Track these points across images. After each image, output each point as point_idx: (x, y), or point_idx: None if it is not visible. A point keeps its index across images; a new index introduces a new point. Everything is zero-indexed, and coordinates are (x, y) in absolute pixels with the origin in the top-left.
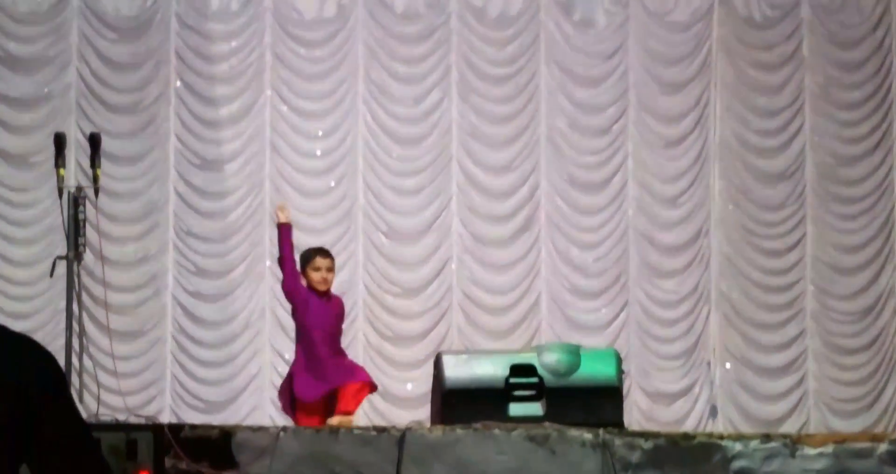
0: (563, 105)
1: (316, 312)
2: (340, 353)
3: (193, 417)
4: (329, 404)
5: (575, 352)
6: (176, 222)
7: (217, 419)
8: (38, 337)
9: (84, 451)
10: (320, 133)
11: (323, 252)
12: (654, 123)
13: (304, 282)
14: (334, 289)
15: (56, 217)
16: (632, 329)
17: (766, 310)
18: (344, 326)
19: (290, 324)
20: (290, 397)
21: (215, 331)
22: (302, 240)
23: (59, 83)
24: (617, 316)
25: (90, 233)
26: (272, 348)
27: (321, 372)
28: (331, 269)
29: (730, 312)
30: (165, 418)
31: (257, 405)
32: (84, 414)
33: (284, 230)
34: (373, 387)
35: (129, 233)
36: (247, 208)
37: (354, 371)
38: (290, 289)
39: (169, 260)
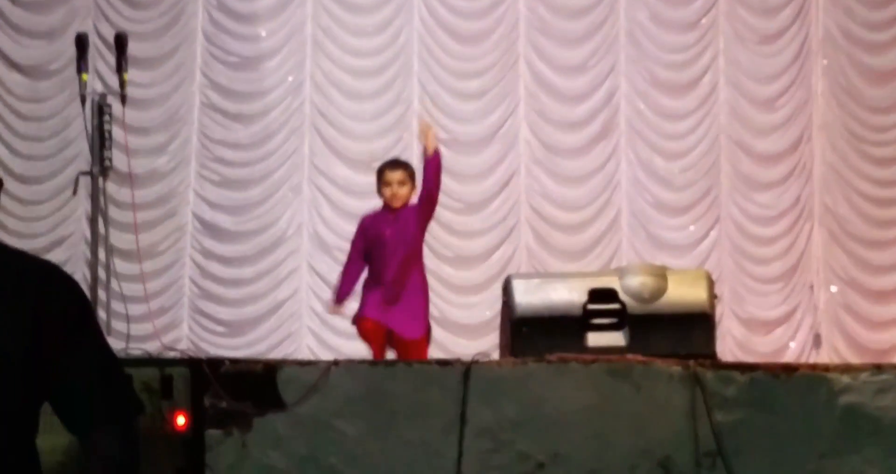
0: None
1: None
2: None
3: (215, 343)
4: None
5: (661, 274)
6: (200, 128)
7: (243, 347)
8: (57, 258)
9: (111, 385)
10: (370, 28)
11: (392, 164)
12: (748, 15)
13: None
14: None
15: (74, 129)
16: (724, 248)
17: (876, 226)
18: None
19: (332, 242)
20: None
21: (241, 245)
22: (351, 148)
23: None
24: (707, 233)
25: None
26: (310, 267)
27: (386, 297)
28: (403, 183)
29: (835, 228)
30: (182, 346)
31: (293, 332)
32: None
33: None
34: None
35: (150, 144)
36: (283, 111)
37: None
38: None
39: (191, 171)
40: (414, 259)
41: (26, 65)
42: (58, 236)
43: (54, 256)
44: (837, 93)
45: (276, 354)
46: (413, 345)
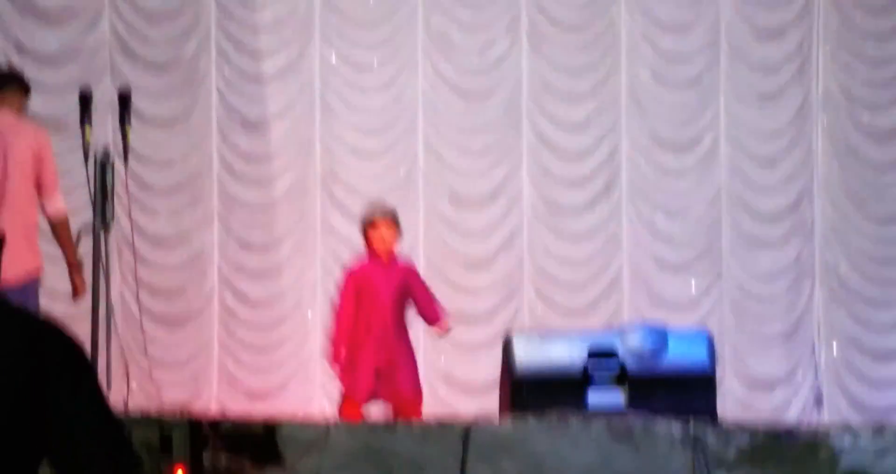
0: (646, 54)
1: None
2: (399, 337)
3: (241, 408)
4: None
5: (661, 332)
6: (220, 190)
7: (265, 409)
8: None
9: (110, 443)
10: (375, 86)
11: (381, 210)
12: (749, 73)
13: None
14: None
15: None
16: (725, 306)
17: (878, 284)
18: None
19: None
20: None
21: (263, 311)
22: (358, 206)
23: (90, 37)
24: (708, 291)
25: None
26: (324, 330)
27: (378, 361)
28: (393, 233)
29: (836, 287)
30: (212, 410)
31: (307, 394)
32: (113, 407)
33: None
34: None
35: (167, 205)
36: (296, 173)
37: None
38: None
39: (214, 233)
40: (403, 315)
41: (41, 116)
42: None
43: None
44: (838, 151)
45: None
46: (413, 402)
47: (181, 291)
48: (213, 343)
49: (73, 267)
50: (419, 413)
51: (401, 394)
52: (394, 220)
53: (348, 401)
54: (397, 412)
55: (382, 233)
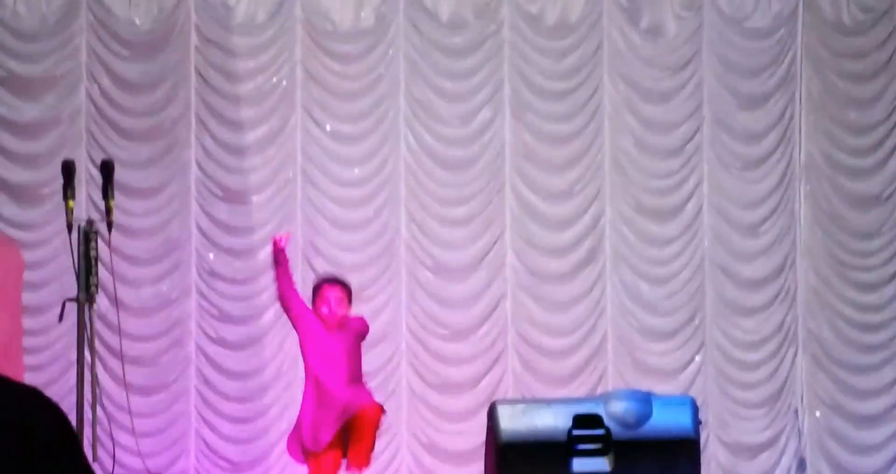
0: (629, 123)
1: (319, 337)
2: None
3: None
4: (343, 436)
5: (646, 400)
6: (199, 262)
7: None
8: (52, 392)
9: None
10: (357, 157)
11: (331, 280)
12: (732, 142)
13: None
14: (377, 329)
15: (68, 257)
16: (709, 373)
17: (861, 351)
18: (386, 373)
19: None
20: (300, 445)
21: (242, 382)
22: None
23: (68, 106)
24: (692, 359)
25: (105, 275)
26: None
27: (327, 411)
28: (341, 300)
29: (819, 354)
30: None
31: (288, 464)
32: None
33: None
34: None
35: (146, 275)
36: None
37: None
38: (283, 297)
39: (192, 304)
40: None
41: (16, 188)
42: (57, 368)
43: (52, 386)
44: (821, 218)
45: None
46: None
47: (158, 360)
48: (190, 413)
49: None
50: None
51: (369, 414)
52: (344, 292)
53: (312, 456)
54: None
55: (332, 305)
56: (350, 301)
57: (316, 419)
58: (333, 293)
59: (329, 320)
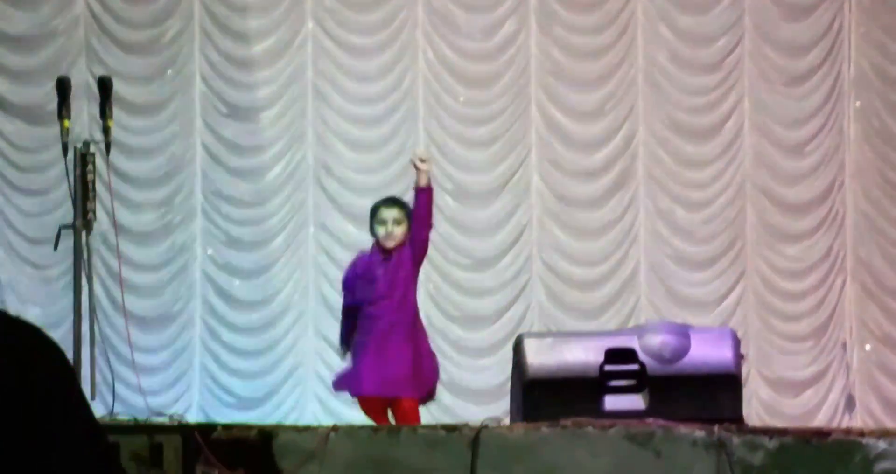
0: (664, 35)
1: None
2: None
3: (226, 415)
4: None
5: (682, 332)
6: (204, 183)
7: (253, 417)
8: (50, 325)
9: (96, 457)
10: (372, 72)
11: (388, 201)
12: (775, 55)
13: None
14: None
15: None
16: (750, 304)
17: None
18: None
19: (338, 304)
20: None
21: (251, 313)
22: (353, 201)
23: (65, 19)
24: (732, 289)
25: (105, 198)
26: (317, 332)
27: (378, 355)
28: (399, 221)
29: (869, 282)
30: (194, 417)
31: (299, 401)
32: (98, 414)
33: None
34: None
35: (149, 198)
36: (286, 165)
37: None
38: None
39: (197, 228)
40: (407, 303)
41: (14, 105)
42: (57, 299)
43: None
44: (871, 137)
45: (289, 421)
46: (410, 404)
47: (162, 290)
48: (195, 345)
49: None
50: (416, 414)
51: (402, 398)
52: (402, 213)
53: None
54: (397, 414)
55: (389, 227)
56: (409, 224)
57: (360, 351)
58: (391, 214)
59: (387, 244)
